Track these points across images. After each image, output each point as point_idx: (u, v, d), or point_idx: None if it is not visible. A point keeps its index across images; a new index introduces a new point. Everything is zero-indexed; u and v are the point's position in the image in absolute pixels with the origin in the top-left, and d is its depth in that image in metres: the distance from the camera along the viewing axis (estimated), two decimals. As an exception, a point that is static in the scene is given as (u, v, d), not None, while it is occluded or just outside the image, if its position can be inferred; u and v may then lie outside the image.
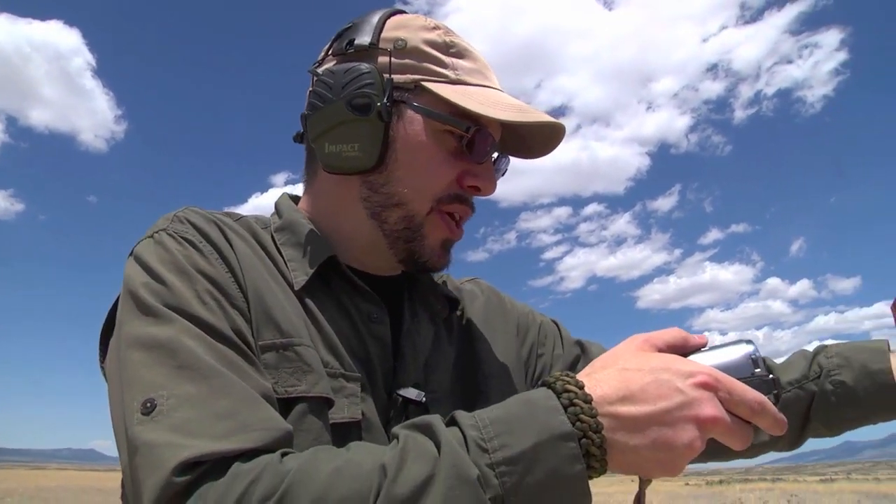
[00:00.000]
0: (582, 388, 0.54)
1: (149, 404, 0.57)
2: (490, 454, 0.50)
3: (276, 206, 0.86)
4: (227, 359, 0.61)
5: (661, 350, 0.60)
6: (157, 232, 0.71)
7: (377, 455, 0.52)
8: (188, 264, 0.67)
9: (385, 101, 0.74)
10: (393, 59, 0.76)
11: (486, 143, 0.78)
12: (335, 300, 0.77)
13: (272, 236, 0.80)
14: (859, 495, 22.97)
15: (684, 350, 0.61)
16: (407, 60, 0.77)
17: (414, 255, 0.81)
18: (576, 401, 0.53)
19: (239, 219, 0.79)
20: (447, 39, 0.80)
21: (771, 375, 0.58)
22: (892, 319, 0.82)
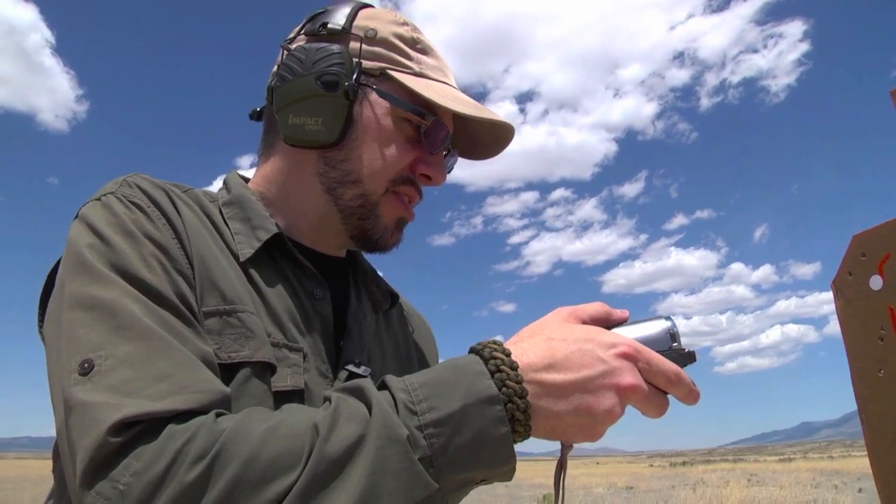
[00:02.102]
0: (509, 355, 0.57)
1: (86, 364, 0.57)
2: (419, 416, 0.52)
3: (225, 181, 0.87)
4: (168, 322, 0.62)
5: (585, 322, 0.63)
6: (104, 195, 0.71)
7: (310, 416, 0.54)
8: (135, 227, 0.67)
9: (352, 81, 0.79)
10: (363, 45, 0.81)
11: (441, 134, 0.83)
12: (280, 275, 0.79)
13: (220, 210, 0.81)
14: (814, 473, 23.86)
15: (607, 323, 0.64)
16: (375, 49, 0.82)
17: (367, 232, 0.84)
18: (503, 367, 0.55)
19: (187, 190, 0.80)
20: (414, 36, 0.86)
21: (687, 349, 0.62)
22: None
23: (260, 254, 0.77)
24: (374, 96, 0.81)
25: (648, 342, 0.61)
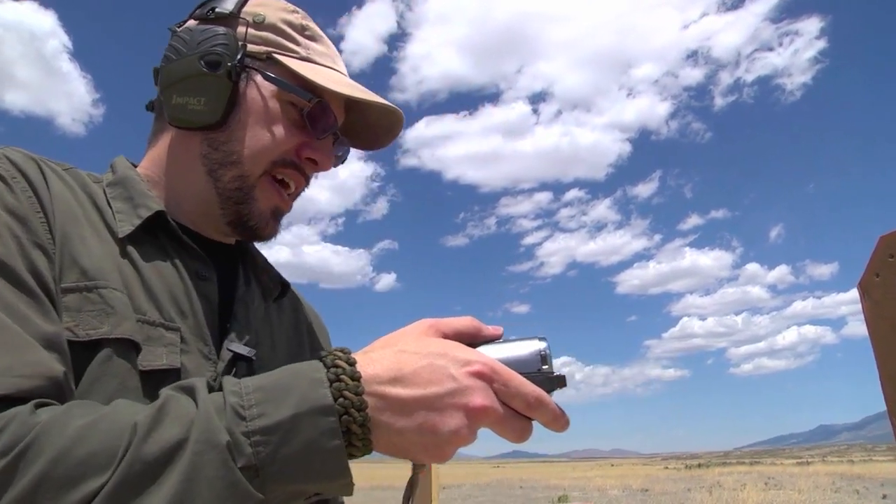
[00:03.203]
0: (352, 364, 0.53)
1: None
2: (247, 422, 0.49)
3: (112, 164, 0.85)
4: (5, 299, 0.58)
5: (447, 337, 0.59)
6: None
7: (135, 413, 0.50)
8: None
9: (236, 62, 0.78)
10: (250, 29, 0.81)
11: (326, 119, 0.82)
12: (163, 254, 0.77)
13: (104, 191, 0.79)
14: (834, 477, 23.53)
15: (474, 339, 0.60)
16: (263, 33, 0.82)
17: (243, 218, 0.82)
18: (342, 376, 0.52)
19: (68, 168, 0.78)
20: (303, 23, 0.86)
21: (556, 373, 0.58)
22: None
23: (141, 232, 0.75)
24: (259, 79, 0.81)
25: (515, 363, 0.57)
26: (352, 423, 0.50)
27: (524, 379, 0.55)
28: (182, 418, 0.48)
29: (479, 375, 0.54)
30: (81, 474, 0.46)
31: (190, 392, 0.52)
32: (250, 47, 0.81)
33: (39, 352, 0.56)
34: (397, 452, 0.54)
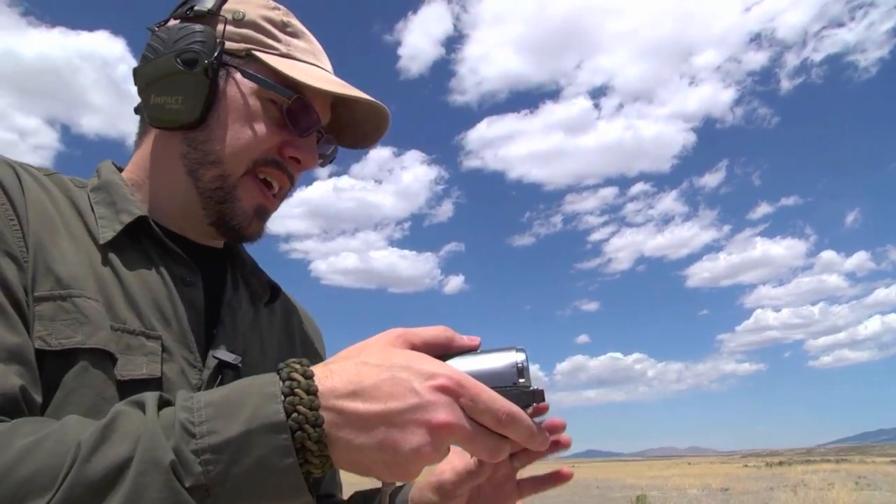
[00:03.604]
0: (309, 377, 0.50)
1: None
2: (197, 439, 0.46)
3: (97, 169, 0.84)
4: None
5: (415, 347, 0.55)
6: None
7: (82, 430, 0.48)
8: None
9: (213, 59, 0.77)
10: (229, 27, 0.81)
11: (308, 115, 0.81)
12: (147, 260, 0.76)
13: (89, 196, 0.79)
14: (931, 475, 22.23)
15: (445, 350, 0.56)
16: (242, 30, 0.81)
17: (225, 218, 0.81)
18: (297, 390, 0.49)
19: (50, 174, 0.78)
20: (285, 19, 0.84)
21: (533, 387, 0.54)
22: None
23: (123, 238, 0.75)
24: (238, 76, 0.80)
25: (487, 376, 0.53)
26: (306, 439, 0.47)
27: (495, 393, 0.51)
28: (128, 435, 0.46)
29: (443, 390, 0.50)
30: (23, 495, 0.44)
31: (141, 407, 0.49)
32: (229, 45, 0.80)
33: None
34: (359, 470, 0.51)
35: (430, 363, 0.52)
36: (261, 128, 0.79)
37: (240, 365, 0.76)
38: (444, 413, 0.49)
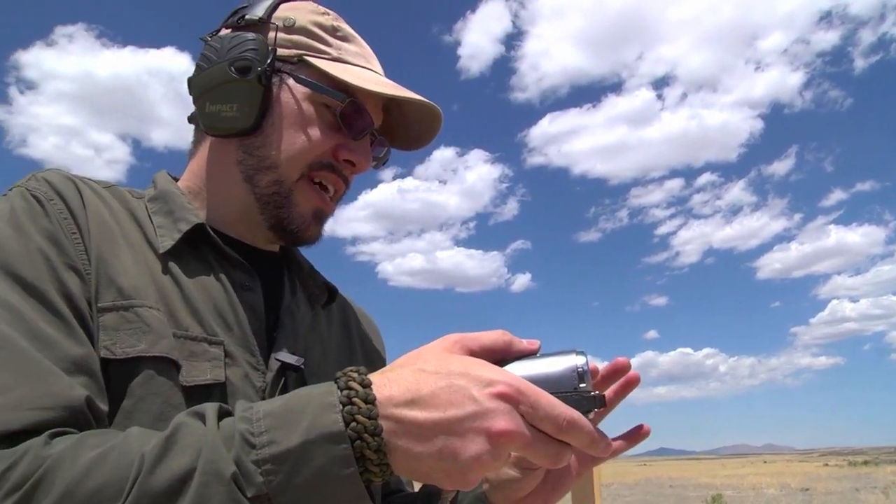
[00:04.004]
0: (367, 386, 0.50)
1: None
2: (257, 450, 0.47)
3: (154, 179, 0.87)
4: (32, 327, 0.59)
5: (473, 353, 0.55)
6: (12, 189, 0.71)
7: (145, 442, 0.49)
8: (27, 220, 0.67)
9: (266, 66, 0.79)
10: (280, 34, 0.82)
11: (361, 118, 0.82)
12: (206, 267, 0.78)
13: (146, 206, 0.81)
14: None
15: (504, 355, 0.56)
16: (294, 37, 0.83)
17: (283, 222, 0.83)
18: (355, 399, 0.49)
19: (109, 186, 0.80)
20: (335, 24, 0.86)
21: (594, 392, 0.53)
22: None
23: (182, 246, 0.76)
24: (291, 82, 0.81)
25: (547, 381, 0.53)
26: (365, 448, 0.48)
27: (555, 400, 0.51)
28: (190, 447, 0.47)
29: (502, 397, 0.49)
30: None
31: (202, 418, 0.50)
32: (281, 51, 0.81)
33: (60, 380, 0.57)
34: (419, 477, 0.51)
35: (488, 369, 0.52)
36: (315, 132, 0.81)
37: (302, 366, 0.77)
38: (504, 421, 0.49)
